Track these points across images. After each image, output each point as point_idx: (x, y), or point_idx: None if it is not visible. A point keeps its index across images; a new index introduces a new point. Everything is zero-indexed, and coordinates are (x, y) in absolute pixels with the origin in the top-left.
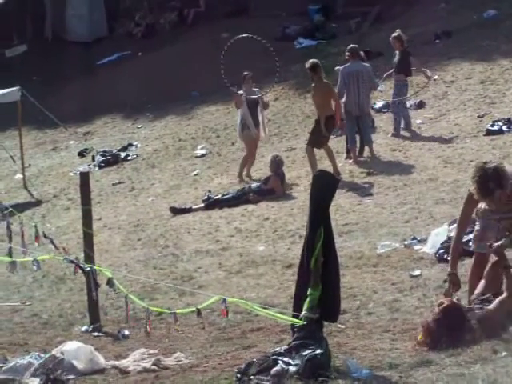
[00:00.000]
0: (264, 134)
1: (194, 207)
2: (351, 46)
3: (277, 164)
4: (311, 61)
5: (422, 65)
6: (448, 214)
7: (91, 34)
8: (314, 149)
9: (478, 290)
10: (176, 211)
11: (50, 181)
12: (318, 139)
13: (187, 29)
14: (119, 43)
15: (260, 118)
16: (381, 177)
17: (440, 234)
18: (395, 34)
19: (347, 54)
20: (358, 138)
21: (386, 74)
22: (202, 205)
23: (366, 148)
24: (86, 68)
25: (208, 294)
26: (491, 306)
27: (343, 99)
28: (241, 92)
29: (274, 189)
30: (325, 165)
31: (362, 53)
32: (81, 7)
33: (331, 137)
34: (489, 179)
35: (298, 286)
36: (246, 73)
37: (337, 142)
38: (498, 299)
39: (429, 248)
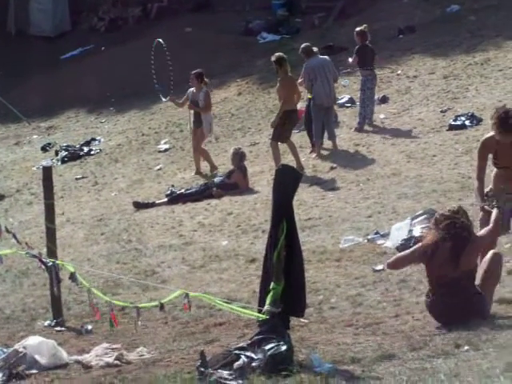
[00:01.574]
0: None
1: (157, 202)
2: (303, 45)
3: (239, 157)
4: (277, 54)
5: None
6: (411, 208)
7: (55, 28)
8: (279, 144)
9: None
10: (139, 206)
11: (13, 175)
12: (281, 133)
13: (151, 23)
14: (83, 38)
15: (202, 118)
16: (344, 171)
17: (401, 228)
18: (357, 29)
19: (302, 54)
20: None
21: (347, 64)
22: (165, 199)
23: (329, 142)
24: (50, 62)
25: (171, 289)
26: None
27: (310, 94)
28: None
29: (237, 183)
30: (288, 159)
31: (315, 48)
32: (45, 1)
33: (294, 131)
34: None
35: (262, 281)
36: (192, 72)
37: (300, 137)
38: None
39: (391, 243)
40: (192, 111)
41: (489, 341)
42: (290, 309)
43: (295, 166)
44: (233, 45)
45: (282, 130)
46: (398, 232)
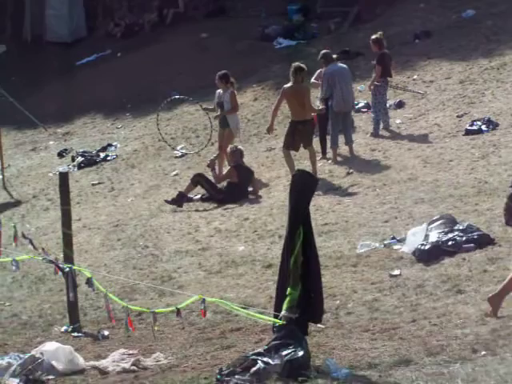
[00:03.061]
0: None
1: (194, 197)
2: (323, 51)
3: (239, 154)
4: (295, 64)
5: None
6: (427, 213)
7: (71, 34)
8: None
9: None
10: (175, 202)
11: (30, 181)
12: (291, 142)
13: (166, 29)
14: (98, 43)
15: (228, 120)
16: (360, 176)
17: (417, 233)
18: (372, 37)
19: (322, 60)
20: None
21: (370, 83)
22: (199, 196)
23: (345, 148)
24: (66, 68)
25: (187, 294)
26: None
27: (330, 101)
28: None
29: (230, 176)
30: (303, 165)
31: (334, 55)
32: (60, 7)
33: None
34: None
35: (279, 287)
36: (218, 73)
37: (315, 142)
38: None
39: (407, 248)
40: (219, 112)
41: (506, 345)
42: (307, 314)
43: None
44: (249, 50)
45: (292, 139)
46: (415, 237)
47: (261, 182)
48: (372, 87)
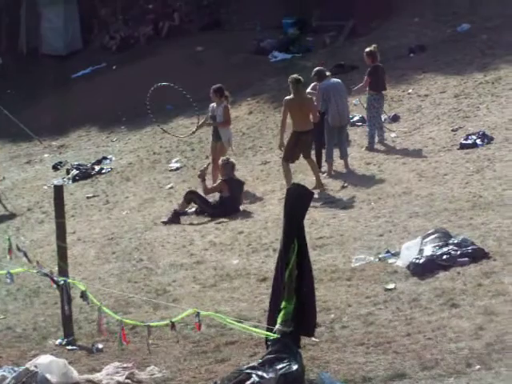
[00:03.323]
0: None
1: (188, 211)
2: (316, 69)
3: (230, 167)
4: (293, 76)
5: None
6: (422, 227)
7: (66, 47)
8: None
9: None
10: (170, 222)
11: (24, 194)
12: (292, 154)
13: (162, 42)
14: (94, 56)
15: (220, 133)
16: (355, 190)
17: (411, 247)
18: (366, 49)
19: (315, 77)
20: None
21: (355, 88)
22: (193, 209)
23: (340, 161)
24: (61, 81)
25: (182, 308)
26: None
27: (326, 115)
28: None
29: (220, 190)
30: (299, 178)
31: (327, 72)
32: (56, 20)
33: None
34: None
35: (272, 300)
36: (212, 87)
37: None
38: None
39: (401, 262)
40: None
41: (500, 360)
42: (300, 328)
43: (315, 184)
44: (244, 64)
45: (293, 151)
46: (409, 251)
47: (255, 196)
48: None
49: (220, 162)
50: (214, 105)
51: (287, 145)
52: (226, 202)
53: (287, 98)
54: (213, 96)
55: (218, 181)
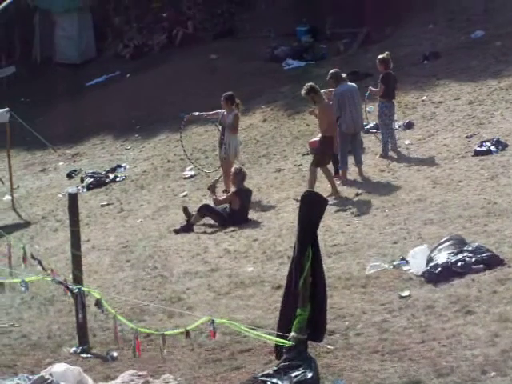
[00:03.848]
0: (227, 156)
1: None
2: (332, 71)
3: (241, 177)
4: (308, 84)
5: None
6: (436, 234)
7: (80, 55)
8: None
9: None
10: (181, 231)
11: (39, 202)
12: (322, 159)
13: (176, 50)
14: (108, 64)
15: (225, 141)
16: (369, 197)
17: (417, 254)
18: (379, 56)
19: (331, 80)
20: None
21: (369, 93)
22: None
23: (354, 168)
24: (75, 89)
25: (196, 316)
26: None
27: (339, 122)
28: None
29: (230, 202)
30: (315, 186)
31: (343, 74)
32: (70, 29)
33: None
34: None
35: (283, 307)
36: (223, 95)
37: None
38: None
39: (413, 269)
40: (220, 132)
41: None
42: (310, 334)
43: (330, 192)
44: (258, 71)
45: (323, 156)
46: (415, 259)
47: (269, 204)
48: (375, 104)
49: (233, 170)
50: (224, 111)
51: (322, 151)
52: (236, 213)
53: (324, 102)
54: (224, 103)
55: (230, 193)
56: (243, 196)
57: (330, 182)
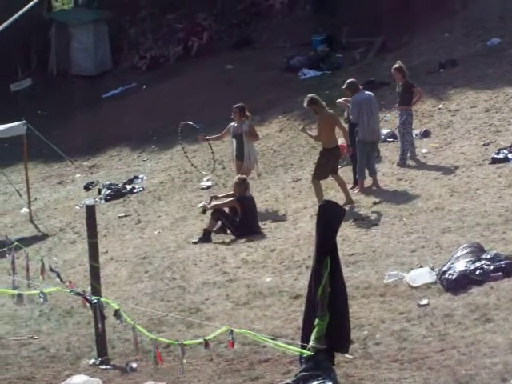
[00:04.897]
0: (248, 165)
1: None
2: (349, 81)
3: (244, 188)
4: (309, 96)
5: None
6: (455, 242)
7: (96, 67)
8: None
9: None
10: (203, 240)
11: (57, 214)
12: (323, 171)
13: (192, 61)
14: (124, 76)
15: (245, 151)
16: (387, 206)
17: (419, 276)
18: (396, 66)
19: (347, 90)
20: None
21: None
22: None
23: (370, 178)
24: (91, 101)
25: (215, 326)
26: None
27: (356, 130)
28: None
29: (234, 208)
30: (331, 195)
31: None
32: (86, 41)
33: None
34: None
35: (305, 317)
36: (235, 106)
37: (342, 172)
38: None
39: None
40: (235, 144)
41: None
42: (334, 345)
43: (344, 201)
44: (274, 81)
45: (323, 168)
46: (418, 277)
47: (287, 213)
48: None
49: (236, 179)
50: (234, 124)
51: (319, 163)
52: (245, 222)
53: (323, 113)
54: (236, 115)
55: (231, 198)
56: (247, 203)
57: (343, 191)
